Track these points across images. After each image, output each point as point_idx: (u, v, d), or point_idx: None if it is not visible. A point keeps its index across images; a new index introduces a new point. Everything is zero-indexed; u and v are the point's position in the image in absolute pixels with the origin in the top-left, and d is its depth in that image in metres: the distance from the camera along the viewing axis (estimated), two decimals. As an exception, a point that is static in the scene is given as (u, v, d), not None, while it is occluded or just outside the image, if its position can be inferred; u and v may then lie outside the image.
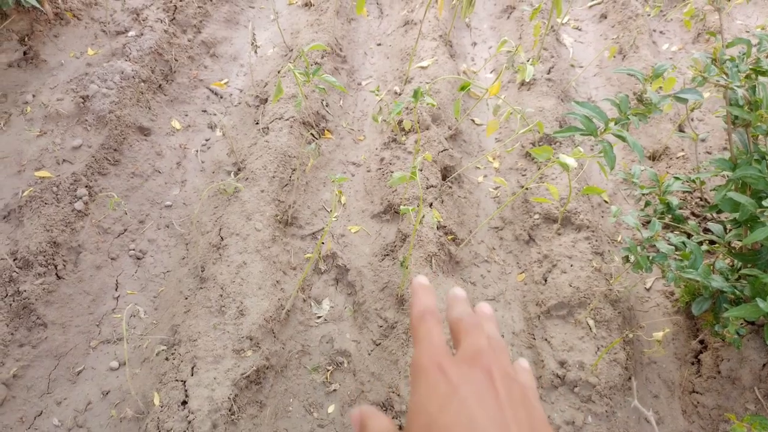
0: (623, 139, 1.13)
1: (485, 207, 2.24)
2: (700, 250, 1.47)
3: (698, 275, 1.44)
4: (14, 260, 1.78)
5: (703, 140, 2.49)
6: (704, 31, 2.97)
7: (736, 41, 1.36)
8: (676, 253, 1.52)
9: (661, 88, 1.85)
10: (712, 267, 1.57)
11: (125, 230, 2.03)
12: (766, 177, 1.35)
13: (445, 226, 2.03)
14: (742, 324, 1.46)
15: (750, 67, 1.32)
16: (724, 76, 1.23)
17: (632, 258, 1.51)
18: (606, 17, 3.05)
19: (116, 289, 1.89)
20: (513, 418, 0.39)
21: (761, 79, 1.39)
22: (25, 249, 1.81)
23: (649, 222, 2.00)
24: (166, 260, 1.99)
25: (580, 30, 3.06)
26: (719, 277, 1.47)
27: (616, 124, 1.15)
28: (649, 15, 2.90)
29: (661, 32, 3.05)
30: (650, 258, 1.49)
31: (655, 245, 1.63)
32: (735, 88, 1.22)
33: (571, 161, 1.62)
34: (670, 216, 1.76)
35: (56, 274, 1.83)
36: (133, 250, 1.99)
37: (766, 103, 1.28)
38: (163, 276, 1.95)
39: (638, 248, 1.47)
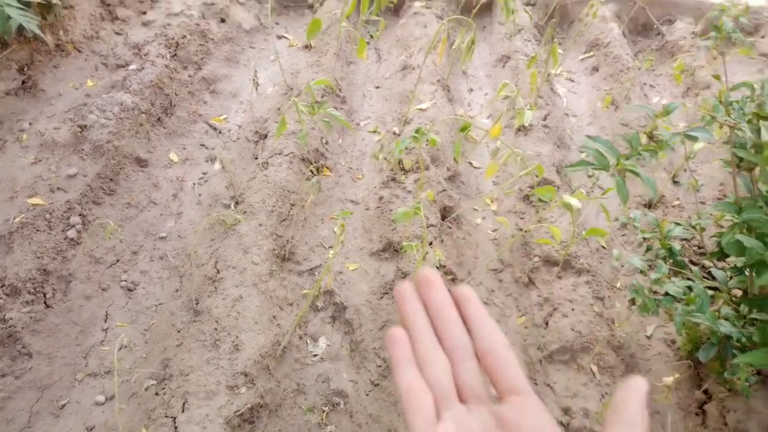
0: (636, 173, 1.14)
1: (484, 249, 2.23)
2: (706, 294, 1.46)
3: (706, 319, 1.43)
4: (2, 287, 1.71)
5: (697, 190, 2.54)
6: (693, 85, 3.07)
7: (740, 85, 1.40)
8: (682, 297, 1.51)
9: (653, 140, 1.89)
10: (717, 313, 1.56)
11: (117, 260, 1.97)
12: (772, 220, 1.37)
13: (444, 266, 2.01)
14: (752, 371, 1.44)
15: (753, 111, 1.35)
16: (731, 118, 1.26)
17: (639, 301, 1.50)
18: (598, 70, 3.14)
19: (105, 321, 1.82)
20: None
21: (763, 123, 1.42)
22: (14, 276, 1.74)
23: (650, 268, 2.01)
24: (159, 292, 1.93)
25: (572, 81, 3.15)
26: (726, 322, 1.47)
27: (627, 159, 1.16)
28: (639, 69, 2.99)
29: (651, 86, 3.14)
30: (657, 301, 1.48)
31: (657, 291, 1.62)
32: (743, 128, 1.25)
33: (575, 202, 1.63)
34: (671, 261, 1.77)
35: (45, 302, 1.76)
36: (125, 281, 1.93)
37: (770, 147, 1.30)
38: (155, 308, 1.89)
39: (644, 291, 1.46)
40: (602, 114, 2.84)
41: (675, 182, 2.49)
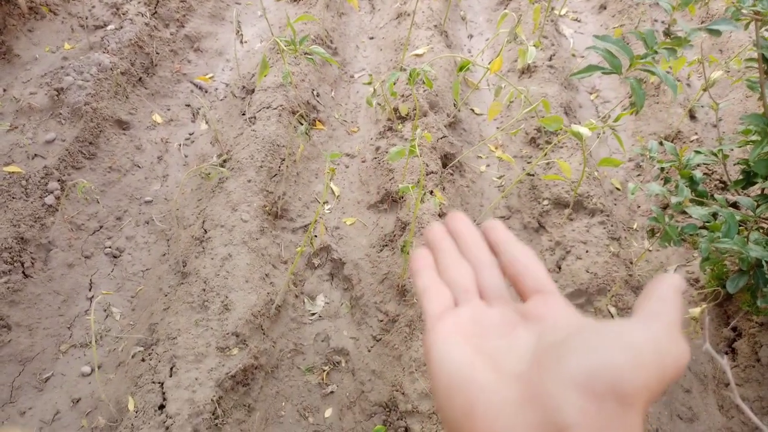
0: (653, 73, 0.99)
1: (489, 196, 2.09)
2: (733, 217, 1.32)
3: (735, 244, 1.29)
4: (-25, 257, 1.61)
5: (714, 126, 2.37)
6: (707, 18, 2.87)
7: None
8: (707, 222, 1.37)
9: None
10: (746, 239, 1.42)
11: (101, 227, 1.87)
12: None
13: (446, 213, 1.87)
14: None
15: None
16: (761, 5, 1.10)
17: (659, 230, 1.35)
18: (606, 8, 2.95)
19: (90, 289, 1.72)
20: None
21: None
22: (-11, 245, 1.64)
23: (668, 204, 1.86)
24: (146, 258, 1.82)
25: (579, 21, 2.96)
26: (758, 247, 1.32)
27: (642, 59, 1.01)
28: (649, 4, 2.80)
29: (663, 22, 2.95)
30: (679, 229, 1.34)
31: (678, 221, 1.48)
32: (773, 21, 1.09)
33: (584, 130, 1.49)
34: (693, 192, 1.62)
35: (23, 272, 1.66)
36: (110, 248, 1.83)
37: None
38: (141, 275, 1.78)
39: (664, 219, 1.32)
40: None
41: (692, 117, 2.32)
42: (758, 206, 1.54)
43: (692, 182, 1.61)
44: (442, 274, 0.45)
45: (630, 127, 2.38)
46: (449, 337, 0.38)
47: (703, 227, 1.45)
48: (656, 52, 1.00)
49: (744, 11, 1.06)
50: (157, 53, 2.35)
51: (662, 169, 1.67)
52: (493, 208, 2.03)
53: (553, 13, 2.85)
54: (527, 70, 2.45)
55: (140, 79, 2.26)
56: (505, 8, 2.84)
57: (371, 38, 2.74)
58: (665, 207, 1.97)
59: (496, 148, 2.27)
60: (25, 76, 2.19)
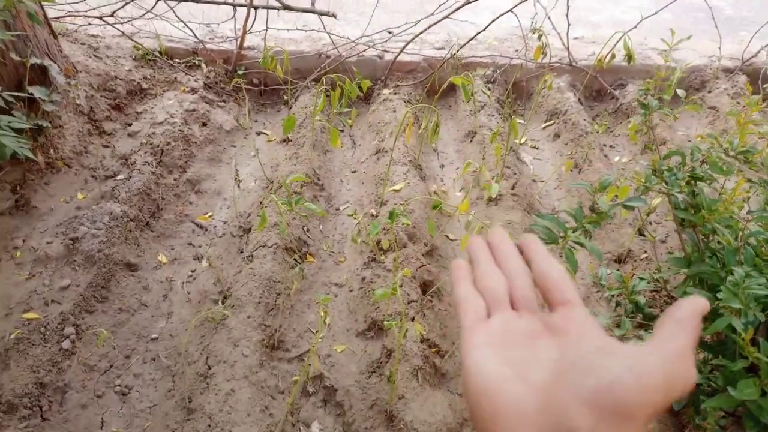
0: (582, 245, 1.25)
1: (466, 318, 2.30)
2: (670, 344, 1.54)
3: (673, 369, 1.50)
4: (-1, 404, 1.76)
5: (663, 241, 2.65)
6: (650, 142, 3.25)
7: (671, 153, 1.54)
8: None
9: (616, 196, 2.02)
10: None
11: (111, 366, 2.03)
12: (719, 272, 1.47)
13: (428, 339, 2.08)
14: (721, 415, 1.50)
15: (687, 174, 1.49)
16: (664, 185, 1.39)
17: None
18: (559, 136, 3.33)
19: (101, 428, 1.86)
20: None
21: (700, 184, 1.55)
22: (11, 392, 1.80)
23: (617, 326, 2.09)
24: (152, 394, 1.98)
25: (537, 149, 3.33)
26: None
27: (574, 232, 1.27)
28: (597, 132, 3.18)
29: (611, 146, 3.33)
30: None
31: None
32: (675, 194, 1.38)
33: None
34: (641, 315, 1.85)
35: (41, 415, 1.81)
36: (119, 386, 1.98)
37: (706, 205, 1.43)
38: (149, 410, 1.93)
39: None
40: (567, 177, 3.00)
41: (641, 235, 2.61)
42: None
43: (638, 307, 1.85)
44: (478, 282, 0.50)
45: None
46: (481, 348, 0.43)
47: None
48: (584, 226, 1.27)
49: (656, 188, 1.35)
50: (163, 198, 2.62)
51: (612, 295, 1.92)
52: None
53: (513, 143, 3.21)
54: (493, 200, 2.75)
55: (147, 223, 2.51)
56: (470, 141, 3.20)
57: (353, 172, 3.06)
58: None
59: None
60: (42, 226, 2.43)
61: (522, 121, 3.50)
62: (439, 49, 3.61)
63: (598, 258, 1.24)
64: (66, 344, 1.99)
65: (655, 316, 1.82)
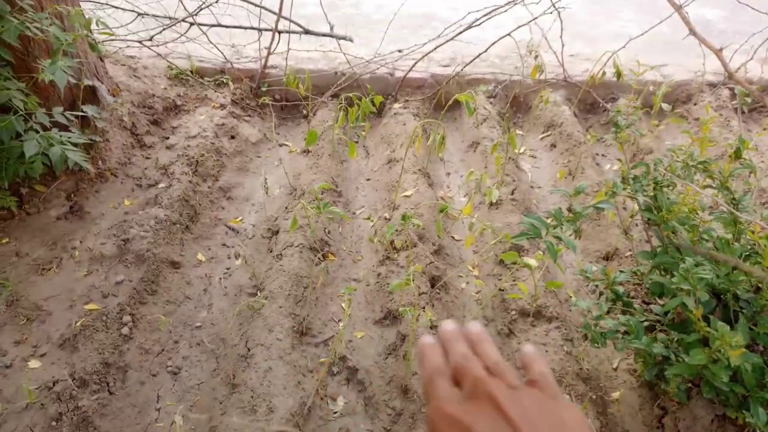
0: (559, 238, 1.56)
1: (470, 308, 2.61)
2: (640, 324, 1.84)
3: (642, 344, 1.81)
4: (73, 380, 2.08)
5: (647, 241, 2.95)
6: (638, 151, 3.56)
7: (638, 164, 1.85)
8: (624, 328, 1.90)
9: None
10: (655, 338, 1.94)
11: (163, 350, 2.35)
12: (678, 262, 1.78)
13: (437, 326, 2.39)
14: (682, 381, 1.80)
15: (651, 181, 1.79)
16: (629, 190, 1.69)
17: (588, 335, 1.88)
18: (555, 146, 3.64)
19: (158, 401, 2.18)
20: (535, 429, 0.44)
21: (666, 189, 1.86)
22: (82, 370, 2.12)
23: (608, 312, 2.39)
24: (200, 373, 2.29)
25: (535, 157, 3.64)
26: (660, 345, 1.84)
27: (554, 228, 1.58)
28: (589, 143, 3.49)
29: (603, 155, 3.63)
30: (603, 334, 1.86)
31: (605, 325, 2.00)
32: (638, 198, 1.68)
33: (533, 262, 2.05)
34: (621, 303, 2.16)
35: (108, 390, 2.13)
36: (170, 366, 2.30)
37: (665, 206, 1.73)
38: (197, 387, 2.25)
39: (591, 326, 1.85)
40: (562, 184, 3.31)
41: (627, 234, 2.91)
42: (667, 313, 2.07)
43: (617, 296, 2.15)
44: (452, 355, 0.55)
45: (580, 246, 2.96)
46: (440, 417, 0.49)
47: (626, 332, 1.97)
48: (562, 224, 1.58)
49: (622, 193, 1.66)
50: (200, 204, 2.95)
51: (596, 286, 2.22)
52: (473, 319, 2.55)
53: (513, 152, 3.52)
54: (494, 204, 3.06)
55: (187, 226, 2.83)
56: (474, 151, 3.51)
57: (368, 180, 3.38)
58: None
59: (474, 268, 2.83)
60: (95, 229, 2.76)
61: (521, 133, 3.81)
62: (445, 66, 3.93)
63: (573, 249, 1.54)
64: (125, 330, 2.31)
65: (632, 303, 2.13)
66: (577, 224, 1.61)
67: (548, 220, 1.70)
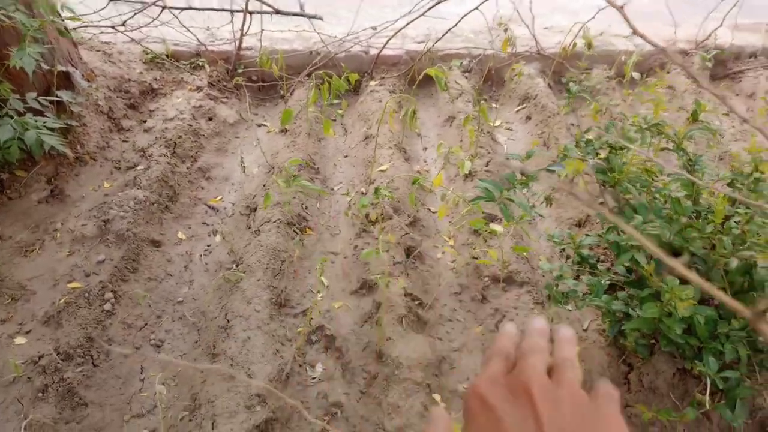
0: (512, 200, 1.63)
1: (446, 277, 2.69)
2: (600, 283, 1.92)
3: (601, 302, 1.89)
4: (58, 354, 2.15)
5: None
6: (612, 120, 3.62)
7: (590, 130, 1.92)
8: (587, 289, 1.97)
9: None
10: (616, 297, 2.02)
11: (146, 324, 2.42)
12: (631, 220, 1.85)
13: (411, 294, 2.46)
14: (641, 336, 1.88)
15: (605, 144, 1.86)
16: (582, 153, 1.76)
17: (551, 296, 1.95)
18: (531, 118, 3.70)
19: (141, 372, 2.25)
20: None
21: (620, 152, 1.93)
22: (66, 344, 2.18)
23: (577, 277, 2.47)
24: (182, 345, 2.36)
25: (511, 130, 3.70)
26: (619, 302, 1.92)
27: (508, 191, 1.65)
28: (563, 114, 3.55)
29: (577, 125, 3.69)
30: (565, 294, 1.94)
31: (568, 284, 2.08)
32: (588, 160, 1.75)
33: (499, 228, 2.12)
34: (587, 265, 2.23)
35: (92, 362, 2.20)
36: (153, 339, 2.37)
37: (617, 168, 1.80)
38: (180, 358, 2.32)
39: (553, 287, 1.92)
40: (537, 154, 3.37)
41: (601, 203, 2.98)
42: (630, 273, 2.15)
43: (582, 258, 2.23)
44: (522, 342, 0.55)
45: (553, 214, 3.04)
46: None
47: (589, 292, 2.05)
48: (515, 187, 1.64)
49: (573, 156, 1.72)
50: (179, 184, 2.99)
51: (563, 249, 2.30)
52: (449, 286, 2.62)
53: (488, 125, 3.58)
54: (469, 175, 3.12)
55: (166, 206, 2.89)
56: (450, 125, 3.57)
57: (345, 156, 3.43)
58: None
59: (449, 238, 2.90)
60: (76, 211, 2.81)
61: (497, 106, 3.86)
62: (420, 42, 3.97)
63: (526, 211, 1.61)
64: (107, 306, 2.37)
65: (597, 265, 2.20)
66: (549, 193, 1.67)
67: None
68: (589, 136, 1.91)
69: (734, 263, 1.64)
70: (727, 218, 1.80)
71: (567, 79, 2.18)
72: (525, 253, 2.50)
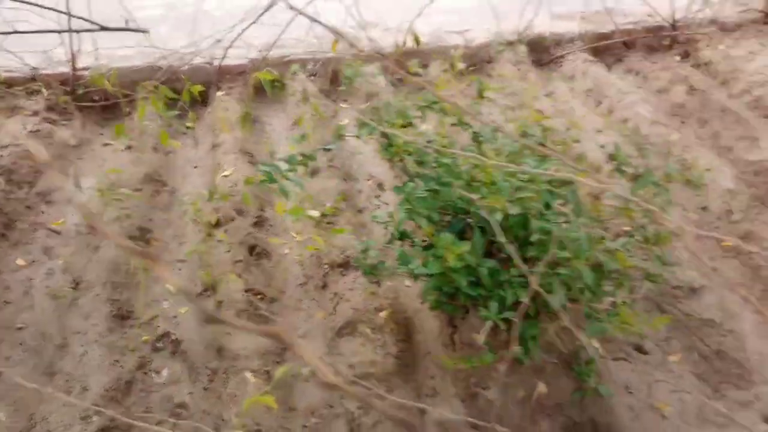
0: (288, 179, 1.78)
1: (292, 270, 2.82)
2: (404, 254, 2.12)
3: (406, 269, 2.08)
4: None
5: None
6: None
7: (369, 108, 2.12)
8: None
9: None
10: (425, 264, 2.22)
11: (-19, 356, 2.37)
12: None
13: (253, 289, 2.57)
14: (440, 294, 2.10)
15: (386, 122, 2.07)
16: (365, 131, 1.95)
17: (362, 269, 2.14)
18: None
19: (-24, 405, 2.21)
20: None
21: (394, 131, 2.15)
22: None
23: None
24: (22, 371, 2.33)
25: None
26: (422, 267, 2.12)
27: (289, 172, 1.81)
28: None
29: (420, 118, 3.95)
30: (374, 265, 2.13)
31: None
32: (361, 138, 1.94)
33: (314, 213, 2.28)
34: (409, 240, 2.43)
35: None
36: (-10, 370, 2.33)
37: (395, 143, 2.01)
38: (19, 384, 2.29)
39: (361, 260, 2.10)
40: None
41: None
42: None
43: (403, 234, 2.43)
44: None
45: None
46: None
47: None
48: (295, 167, 1.80)
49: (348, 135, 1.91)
50: (15, 211, 2.93)
51: (386, 226, 2.49)
52: (295, 278, 2.75)
53: (334, 122, 3.75)
54: (315, 172, 3.28)
55: (3, 234, 2.82)
56: (297, 127, 3.71)
57: (195, 167, 3.49)
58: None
59: (297, 234, 3.03)
60: None
61: (345, 105, 4.05)
62: (263, 51, 4.09)
63: (300, 187, 1.77)
64: (-66, 342, 2.30)
65: (414, 238, 2.41)
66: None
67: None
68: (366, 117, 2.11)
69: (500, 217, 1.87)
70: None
71: (345, 66, 2.38)
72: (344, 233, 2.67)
